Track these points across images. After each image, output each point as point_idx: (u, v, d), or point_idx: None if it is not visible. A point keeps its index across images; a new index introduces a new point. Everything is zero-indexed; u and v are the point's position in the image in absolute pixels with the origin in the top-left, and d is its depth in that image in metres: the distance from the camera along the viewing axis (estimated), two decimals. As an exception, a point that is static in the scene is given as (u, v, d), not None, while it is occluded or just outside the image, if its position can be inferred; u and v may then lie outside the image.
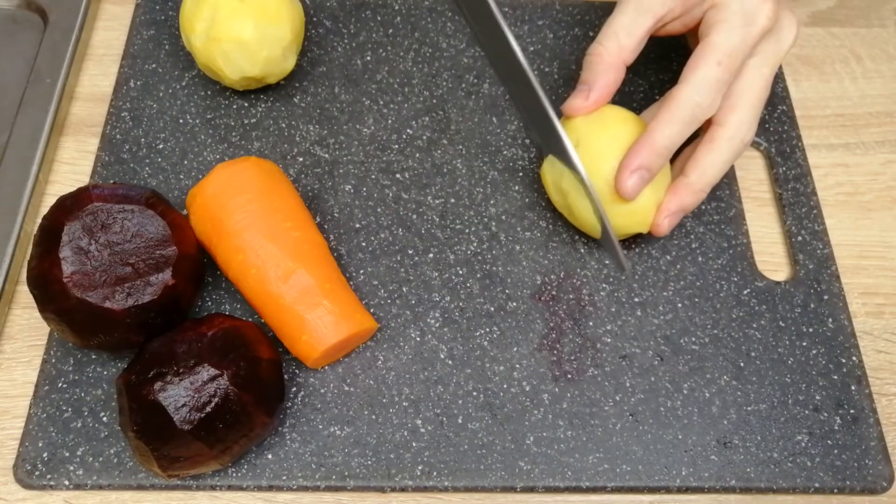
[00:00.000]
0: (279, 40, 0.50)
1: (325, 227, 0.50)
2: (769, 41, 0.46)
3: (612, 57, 0.46)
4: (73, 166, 0.53)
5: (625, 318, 0.48)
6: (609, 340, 0.47)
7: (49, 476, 0.42)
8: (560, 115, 0.47)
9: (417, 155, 0.53)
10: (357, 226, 0.50)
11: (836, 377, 0.47)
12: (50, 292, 0.40)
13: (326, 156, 0.53)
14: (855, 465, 0.45)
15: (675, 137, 0.44)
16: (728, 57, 0.44)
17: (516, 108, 0.50)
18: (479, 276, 0.49)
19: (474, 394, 0.45)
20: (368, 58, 0.57)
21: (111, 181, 0.51)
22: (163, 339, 0.40)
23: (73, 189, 0.43)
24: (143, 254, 0.41)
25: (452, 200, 0.52)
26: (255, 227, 0.44)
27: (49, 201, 0.51)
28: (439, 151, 0.53)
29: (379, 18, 0.59)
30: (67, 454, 0.42)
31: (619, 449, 0.44)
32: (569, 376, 0.46)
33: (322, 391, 0.45)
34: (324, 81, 0.56)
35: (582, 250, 0.50)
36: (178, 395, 0.38)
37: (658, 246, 0.51)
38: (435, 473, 0.43)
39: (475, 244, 0.50)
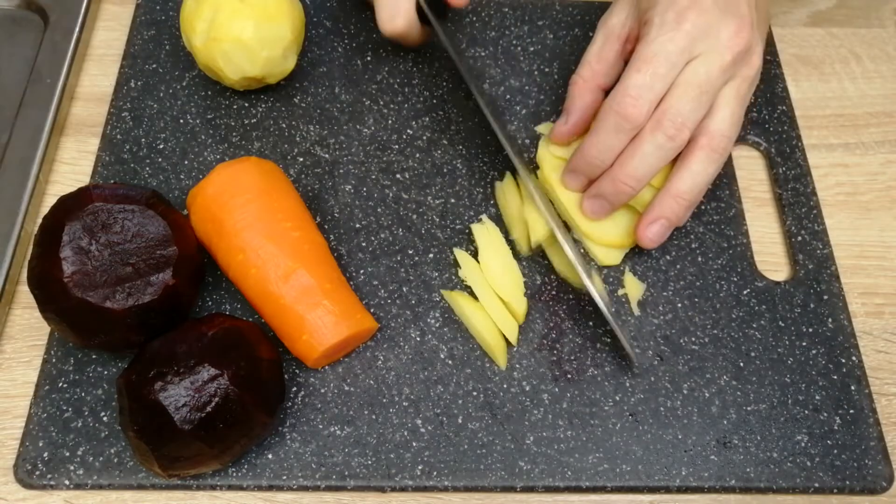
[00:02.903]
0: (279, 40, 0.50)
1: (326, 227, 0.50)
2: (740, 65, 0.46)
3: (586, 83, 0.50)
4: (73, 166, 0.53)
5: (625, 318, 0.48)
6: (609, 340, 0.47)
7: (49, 476, 0.42)
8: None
9: (417, 155, 0.53)
10: (357, 226, 0.50)
11: (835, 377, 0.47)
12: (50, 292, 0.40)
13: (327, 156, 0.53)
14: (855, 465, 0.45)
15: (601, 146, 0.46)
16: (645, 62, 0.44)
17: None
18: (479, 276, 0.49)
19: (474, 394, 0.45)
20: (368, 58, 0.57)
21: (112, 181, 0.51)
22: (163, 339, 0.40)
23: (73, 189, 0.43)
24: (144, 254, 0.41)
25: (452, 200, 0.52)
26: (256, 227, 0.44)
27: (49, 201, 0.51)
28: (439, 151, 0.53)
29: (379, 18, 0.59)
30: (68, 454, 0.43)
31: (619, 449, 0.44)
32: (569, 376, 0.46)
33: (322, 391, 0.45)
34: (324, 81, 0.56)
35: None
36: (179, 395, 0.38)
37: (658, 246, 0.51)
38: (435, 473, 0.43)
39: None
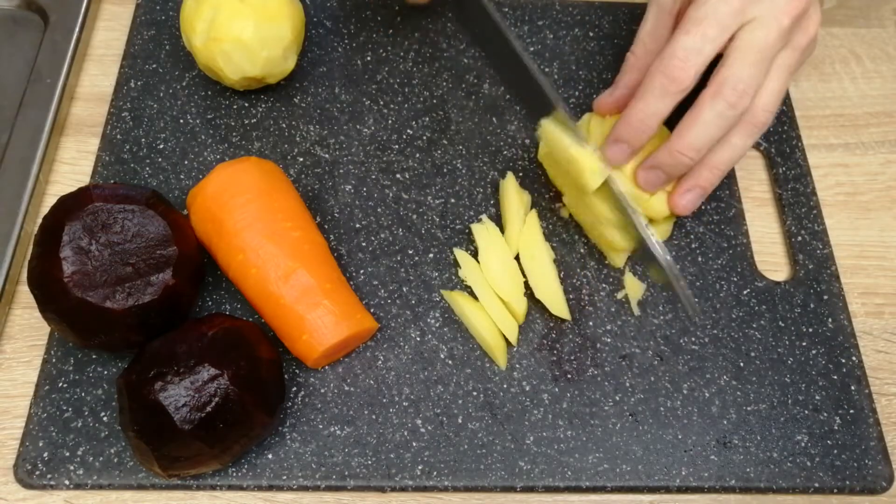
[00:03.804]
0: (279, 40, 0.50)
1: (326, 227, 0.50)
2: (795, 31, 0.45)
3: (638, 60, 0.49)
4: (73, 166, 0.53)
5: (625, 318, 0.48)
6: (609, 340, 0.47)
7: (49, 476, 0.42)
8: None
9: (417, 155, 0.53)
10: (357, 226, 0.50)
11: (835, 377, 0.47)
12: (50, 292, 0.40)
13: (327, 156, 0.53)
14: (855, 465, 0.45)
15: (647, 110, 0.44)
16: (695, 24, 0.43)
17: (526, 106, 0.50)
18: (479, 276, 0.49)
19: (474, 394, 0.45)
20: (368, 58, 0.57)
21: (112, 181, 0.51)
22: (163, 339, 0.40)
23: (73, 189, 0.43)
24: (144, 254, 0.41)
25: (452, 200, 0.52)
26: (256, 227, 0.44)
27: (49, 201, 0.51)
28: (439, 151, 0.54)
29: (379, 18, 0.59)
30: (68, 454, 0.43)
31: (619, 449, 0.44)
32: (569, 376, 0.46)
33: (322, 391, 0.45)
34: (324, 81, 0.56)
35: (582, 250, 0.50)
36: (179, 395, 0.38)
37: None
38: (435, 473, 0.43)
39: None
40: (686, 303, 0.45)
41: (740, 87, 0.43)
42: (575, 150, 0.45)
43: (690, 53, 0.43)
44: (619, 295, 0.49)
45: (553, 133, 0.46)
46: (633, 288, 0.49)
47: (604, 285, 0.49)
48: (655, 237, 0.45)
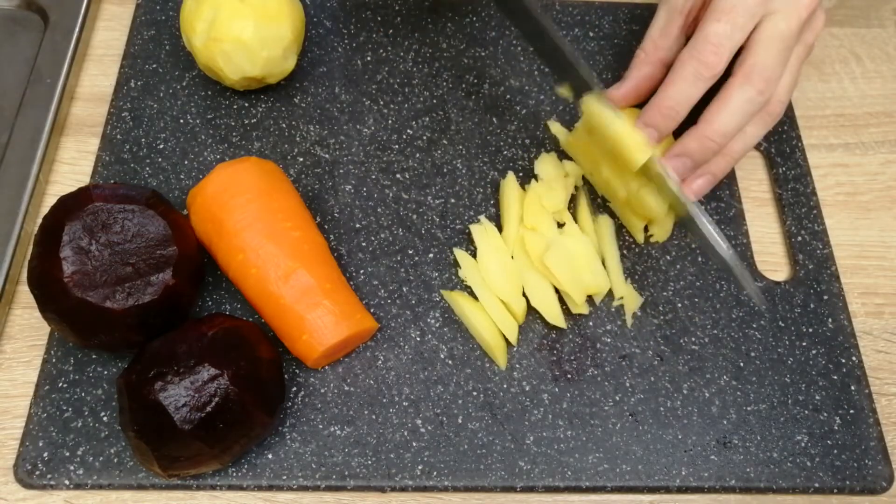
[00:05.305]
0: (280, 40, 0.50)
1: (326, 227, 0.50)
2: (807, 28, 0.47)
3: (647, 56, 0.50)
4: (73, 166, 0.53)
5: (625, 318, 0.48)
6: (609, 340, 0.47)
7: (49, 476, 0.42)
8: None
9: (417, 155, 0.53)
10: (357, 226, 0.50)
11: (835, 377, 0.47)
12: (50, 292, 0.40)
13: (327, 156, 0.53)
14: (855, 465, 0.45)
15: (678, 96, 0.45)
16: (724, 13, 0.44)
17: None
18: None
19: (474, 394, 0.45)
20: (369, 58, 0.57)
21: (112, 181, 0.51)
22: (163, 339, 0.40)
23: (73, 189, 0.43)
24: (144, 254, 0.41)
25: (452, 200, 0.52)
26: (256, 227, 0.44)
27: (49, 201, 0.51)
28: (439, 151, 0.54)
29: (379, 18, 0.59)
30: (68, 454, 0.43)
31: (619, 449, 0.44)
32: (569, 376, 0.46)
33: (322, 391, 0.45)
34: (324, 82, 0.56)
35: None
36: (179, 395, 0.38)
37: (658, 246, 0.51)
38: (435, 473, 0.43)
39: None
40: (744, 281, 0.44)
41: (767, 74, 0.44)
42: (618, 126, 0.45)
43: (722, 39, 0.44)
44: (616, 303, 0.48)
45: (596, 109, 0.46)
46: (630, 300, 0.48)
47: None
48: (706, 216, 0.45)
